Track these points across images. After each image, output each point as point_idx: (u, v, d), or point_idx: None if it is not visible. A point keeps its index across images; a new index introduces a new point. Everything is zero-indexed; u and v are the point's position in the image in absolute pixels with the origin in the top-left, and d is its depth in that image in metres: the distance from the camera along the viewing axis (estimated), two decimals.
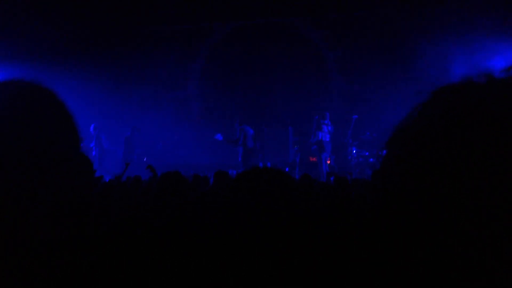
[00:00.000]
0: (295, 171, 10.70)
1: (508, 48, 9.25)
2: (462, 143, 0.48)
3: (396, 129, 0.57)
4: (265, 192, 1.09)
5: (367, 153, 11.10)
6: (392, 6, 11.43)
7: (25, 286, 0.71)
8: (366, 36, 11.92)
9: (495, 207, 0.45)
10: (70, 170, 0.81)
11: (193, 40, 13.11)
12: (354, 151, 11.02)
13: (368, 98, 11.50)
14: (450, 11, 10.37)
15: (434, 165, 0.49)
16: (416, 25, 10.89)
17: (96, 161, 10.15)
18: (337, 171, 9.35)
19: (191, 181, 4.92)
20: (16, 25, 9.75)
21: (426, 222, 0.48)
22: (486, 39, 9.22)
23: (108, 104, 11.75)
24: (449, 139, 0.49)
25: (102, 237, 0.81)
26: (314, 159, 10.87)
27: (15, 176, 0.75)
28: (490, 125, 0.48)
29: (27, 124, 0.78)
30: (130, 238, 0.83)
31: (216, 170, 4.86)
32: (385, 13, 11.64)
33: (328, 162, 10.43)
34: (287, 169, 10.94)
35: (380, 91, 11.16)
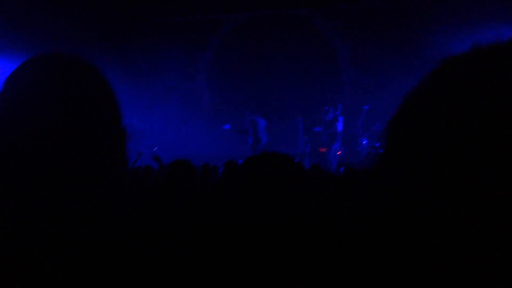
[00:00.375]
0: (305, 162, 10.68)
1: None
2: (473, 121, 0.44)
3: (402, 104, 0.54)
4: (273, 179, 1.08)
5: (377, 144, 11.02)
6: None
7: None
8: (378, 27, 11.79)
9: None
10: (110, 147, 0.82)
11: (203, 32, 13.08)
12: (365, 142, 10.96)
13: (380, 89, 11.40)
14: (463, 1, 10.21)
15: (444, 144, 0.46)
16: (429, 16, 10.74)
17: None
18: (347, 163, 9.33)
19: (200, 171, 4.94)
20: (30, 17, 9.80)
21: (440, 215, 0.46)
22: (499, 29, 9.07)
23: (118, 95, 11.76)
24: (460, 116, 0.45)
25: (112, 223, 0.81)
26: (324, 149, 10.84)
27: (57, 149, 0.75)
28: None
29: (71, 98, 0.78)
30: (137, 228, 0.82)
31: (225, 161, 4.87)
32: (397, 4, 11.49)
33: (339, 153, 10.40)
34: (296, 160, 10.90)
35: (392, 82, 11.06)
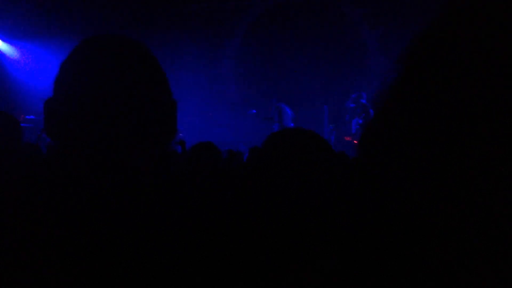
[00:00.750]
0: None
1: None
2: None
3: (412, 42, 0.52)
4: (298, 153, 1.06)
5: None
6: None
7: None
8: (408, 14, 11.51)
9: None
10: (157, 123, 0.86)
11: (230, 18, 13.04)
12: None
13: None
14: None
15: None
16: None
17: None
18: None
19: (225, 156, 4.99)
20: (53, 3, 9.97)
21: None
22: None
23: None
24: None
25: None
26: (349, 138, 10.74)
27: (108, 126, 0.80)
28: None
29: (127, 74, 0.84)
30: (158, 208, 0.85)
31: (250, 147, 4.90)
32: None
33: (355, 142, 10.31)
34: None
35: None
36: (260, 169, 1.08)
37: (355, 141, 11.08)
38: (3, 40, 10.49)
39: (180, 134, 11.15)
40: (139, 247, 0.77)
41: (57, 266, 0.73)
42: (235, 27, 13.18)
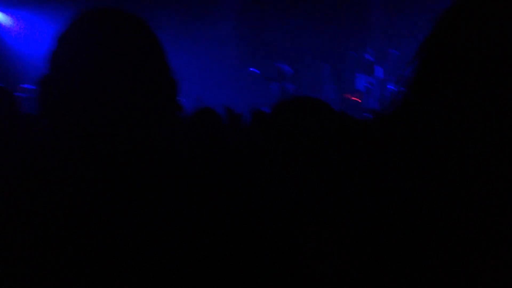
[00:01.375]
0: None
1: None
2: None
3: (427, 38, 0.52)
4: (306, 122, 1.05)
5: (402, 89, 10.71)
6: None
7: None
8: None
9: None
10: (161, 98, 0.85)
11: None
12: (392, 88, 10.68)
13: (411, 33, 10.94)
14: None
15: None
16: None
17: None
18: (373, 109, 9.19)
19: (227, 119, 4.96)
20: None
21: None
22: None
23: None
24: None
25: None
26: (350, 96, 10.68)
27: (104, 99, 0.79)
28: None
29: (126, 49, 0.82)
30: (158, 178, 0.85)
31: (253, 108, 4.86)
32: None
33: (356, 99, 10.26)
34: None
35: (422, 24, 10.58)
36: (269, 149, 1.06)
37: (358, 99, 11.02)
38: None
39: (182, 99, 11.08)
40: (133, 235, 0.77)
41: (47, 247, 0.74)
42: None
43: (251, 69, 10.64)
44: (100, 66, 0.80)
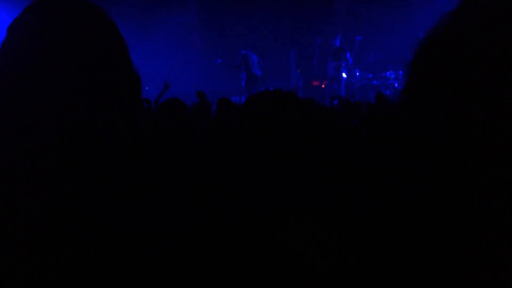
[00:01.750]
0: (298, 96, 10.64)
1: None
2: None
3: (422, 44, 0.50)
4: (280, 120, 1.01)
5: (370, 75, 10.92)
6: None
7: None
8: None
9: None
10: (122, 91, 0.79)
11: None
12: (358, 74, 10.84)
13: (374, 18, 11.10)
14: None
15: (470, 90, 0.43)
16: None
17: None
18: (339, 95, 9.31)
19: (192, 109, 4.90)
20: None
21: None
22: None
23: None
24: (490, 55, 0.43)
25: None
26: (317, 83, 10.77)
27: (64, 92, 0.73)
28: None
29: (81, 42, 0.76)
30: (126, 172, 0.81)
31: (219, 97, 4.81)
32: None
33: (323, 86, 10.38)
34: None
35: (386, 10, 10.74)
36: (241, 139, 1.03)
37: (322, 85, 11.12)
38: None
39: (146, 88, 10.89)
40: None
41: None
42: None
43: (214, 61, 10.57)
44: (50, 60, 0.73)
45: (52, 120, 0.73)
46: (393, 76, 10.55)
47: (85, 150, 0.74)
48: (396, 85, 10.34)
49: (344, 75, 10.31)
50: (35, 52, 0.73)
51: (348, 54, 10.26)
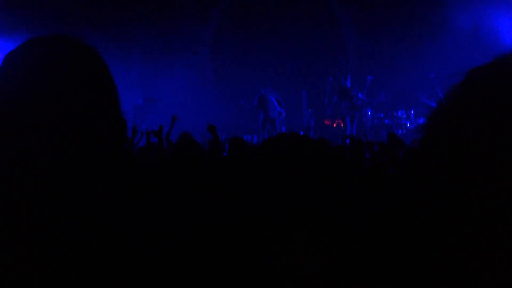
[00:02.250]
0: (310, 134, 10.68)
1: None
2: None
3: (436, 110, 0.53)
4: (297, 164, 1.05)
5: (381, 115, 10.96)
6: None
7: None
8: None
9: None
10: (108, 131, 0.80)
11: (205, 5, 12.87)
12: (369, 113, 10.88)
13: (384, 57, 11.24)
14: None
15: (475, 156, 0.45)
16: None
17: None
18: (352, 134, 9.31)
19: (207, 147, 4.94)
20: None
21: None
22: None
23: (119, 71, 11.71)
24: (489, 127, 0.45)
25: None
26: (329, 122, 10.82)
27: (53, 130, 0.74)
28: None
29: (69, 81, 0.77)
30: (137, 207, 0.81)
31: (232, 136, 4.85)
32: None
33: (335, 125, 10.42)
34: (301, 133, 10.94)
35: (397, 49, 10.87)
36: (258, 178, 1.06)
37: (334, 124, 11.16)
38: None
39: (148, 128, 11.02)
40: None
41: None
42: (210, 14, 13.02)
43: (241, 102, 10.77)
44: (40, 93, 0.74)
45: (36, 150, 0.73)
46: (404, 115, 10.58)
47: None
48: (408, 124, 10.35)
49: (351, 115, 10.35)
50: (26, 88, 0.75)
51: (360, 94, 10.33)
